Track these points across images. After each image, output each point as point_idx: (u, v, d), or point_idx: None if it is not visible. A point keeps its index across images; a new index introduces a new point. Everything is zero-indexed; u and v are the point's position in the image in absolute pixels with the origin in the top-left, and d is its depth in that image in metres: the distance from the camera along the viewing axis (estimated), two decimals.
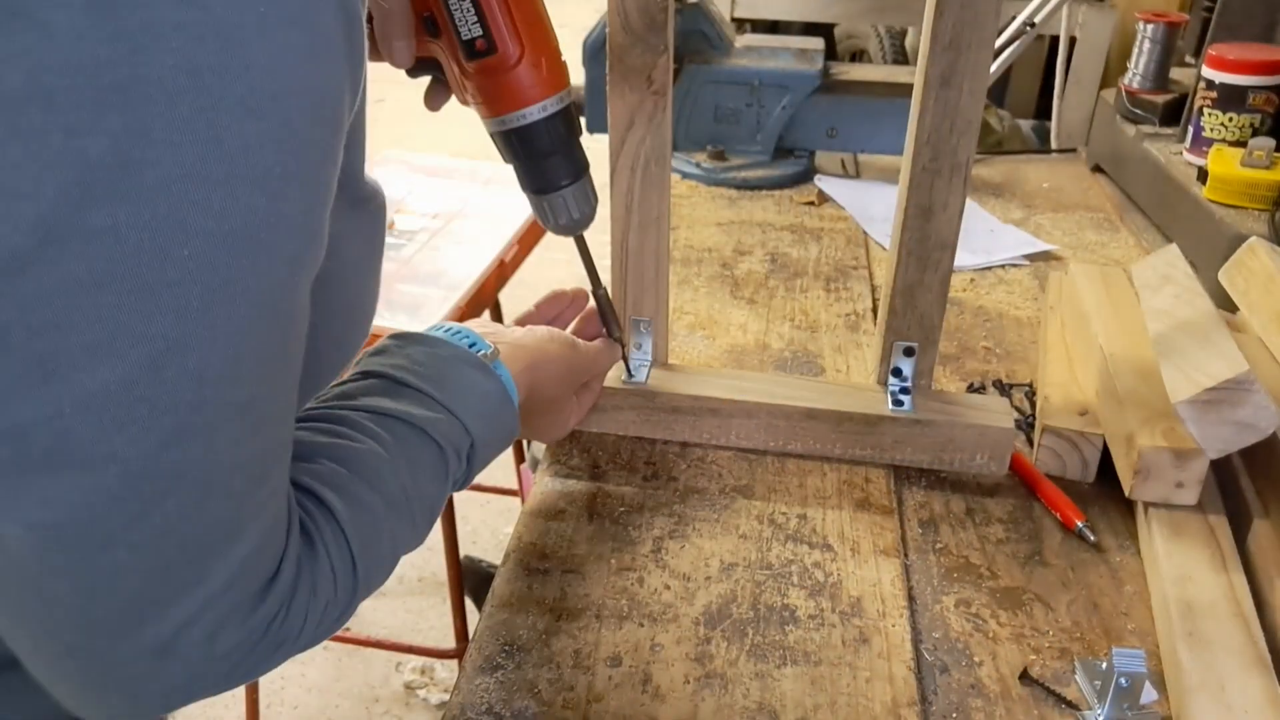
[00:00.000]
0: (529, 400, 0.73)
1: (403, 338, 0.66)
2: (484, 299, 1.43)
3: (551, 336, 0.77)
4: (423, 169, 1.80)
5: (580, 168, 0.71)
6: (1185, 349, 0.75)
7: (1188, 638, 0.62)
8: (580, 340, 0.80)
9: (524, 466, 1.79)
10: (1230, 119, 1.18)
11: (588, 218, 0.74)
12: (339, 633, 1.99)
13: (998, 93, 2.02)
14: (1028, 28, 1.50)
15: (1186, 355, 0.74)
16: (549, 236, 1.49)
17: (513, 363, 0.70)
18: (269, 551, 0.46)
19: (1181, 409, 0.70)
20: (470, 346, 0.66)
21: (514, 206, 1.59)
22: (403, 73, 0.69)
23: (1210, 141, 1.18)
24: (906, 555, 0.74)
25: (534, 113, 0.66)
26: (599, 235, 0.75)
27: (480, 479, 0.68)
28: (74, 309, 0.38)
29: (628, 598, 0.70)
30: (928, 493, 0.80)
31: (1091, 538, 0.75)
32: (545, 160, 0.69)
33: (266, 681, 1.81)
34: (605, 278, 0.81)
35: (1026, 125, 1.79)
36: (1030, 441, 0.86)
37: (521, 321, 0.83)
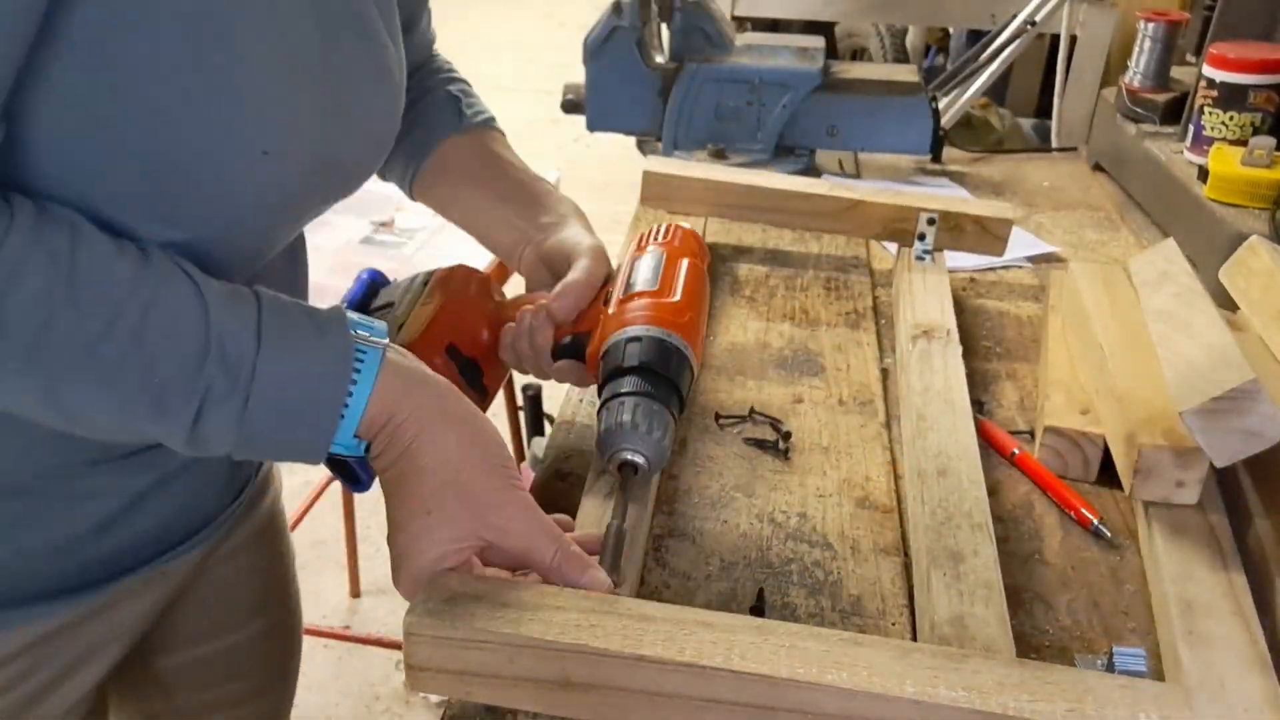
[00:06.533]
0: (401, 444, 0.55)
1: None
2: None
3: (502, 459, 0.58)
4: None
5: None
6: (1189, 354, 0.75)
7: (1188, 636, 0.61)
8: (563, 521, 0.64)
9: (524, 465, 1.79)
10: (1231, 118, 1.18)
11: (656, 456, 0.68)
12: (339, 630, 1.99)
13: (998, 91, 2.01)
14: (1028, 26, 1.50)
15: (1191, 361, 0.74)
16: None
17: (398, 371, 0.56)
18: None
19: (1188, 418, 0.70)
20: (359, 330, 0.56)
21: None
22: None
23: (1211, 140, 1.18)
24: (906, 554, 0.74)
25: None
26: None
27: None
28: None
29: None
30: None
31: (1107, 534, 0.75)
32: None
33: None
34: None
35: (1027, 124, 1.79)
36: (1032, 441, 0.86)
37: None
